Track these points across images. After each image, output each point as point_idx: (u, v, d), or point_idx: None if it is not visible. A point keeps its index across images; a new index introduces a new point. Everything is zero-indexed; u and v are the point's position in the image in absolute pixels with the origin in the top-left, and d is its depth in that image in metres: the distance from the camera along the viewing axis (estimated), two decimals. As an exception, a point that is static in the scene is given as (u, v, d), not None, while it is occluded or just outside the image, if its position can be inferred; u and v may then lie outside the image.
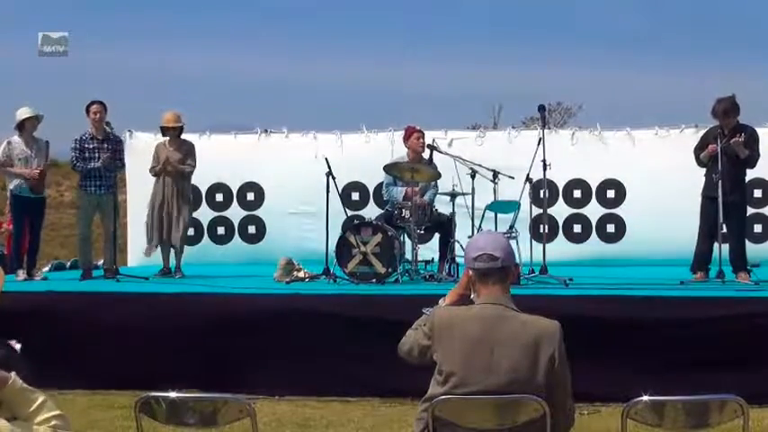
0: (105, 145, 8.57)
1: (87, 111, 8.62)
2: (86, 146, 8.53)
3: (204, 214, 10.79)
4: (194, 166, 8.78)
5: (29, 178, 8.24)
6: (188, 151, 8.78)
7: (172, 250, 8.84)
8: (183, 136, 8.91)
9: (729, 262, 7.48)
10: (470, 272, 3.29)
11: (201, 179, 10.12)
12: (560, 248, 9.69)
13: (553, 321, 3.20)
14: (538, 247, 8.05)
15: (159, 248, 8.86)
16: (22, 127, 8.35)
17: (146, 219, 8.82)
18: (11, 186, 8.42)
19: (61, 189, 18.25)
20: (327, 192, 8.16)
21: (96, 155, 8.49)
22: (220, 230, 10.91)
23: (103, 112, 8.61)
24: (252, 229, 10.87)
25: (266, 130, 11.00)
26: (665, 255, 9.18)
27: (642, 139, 10.19)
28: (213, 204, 10.89)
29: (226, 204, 10.91)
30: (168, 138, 8.80)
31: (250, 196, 10.88)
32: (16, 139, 8.38)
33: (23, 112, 8.35)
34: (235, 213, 10.90)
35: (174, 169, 8.61)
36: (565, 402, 3.21)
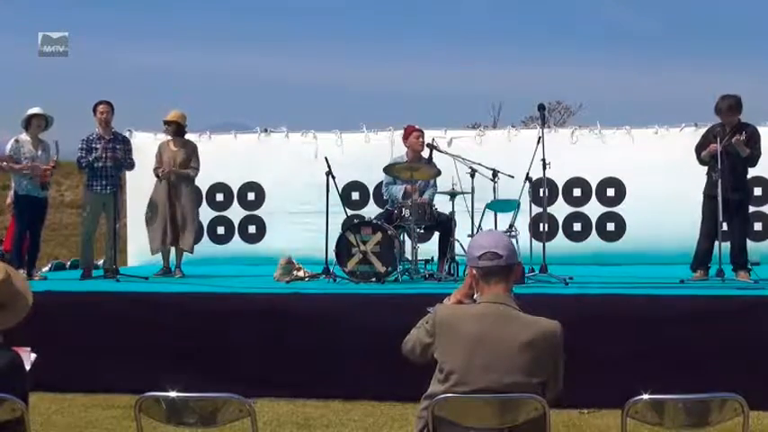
0: (112, 145, 8.58)
1: (94, 111, 8.64)
2: (94, 146, 8.54)
3: (204, 214, 10.80)
4: (198, 170, 8.79)
5: (36, 175, 8.25)
6: (192, 152, 8.79)
7: (172, 250, 8.84)
8: (185, 137, 8.92)
9: (729, 260, 7.48)
10: (473, 270, 3.29)
11: (202, 179, 10.12)
12: (560, 247, 9.70)
13: (554, 321, 3.20)
14: (538, 245, 8.05)
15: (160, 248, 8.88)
16: (28, 125, 8.38)
17: (145, 216, 8.82)
18: (15, 186, 8.43)
19: (61, 189, 18.25)
20: (327, 191, 8.17)
21: (104, 155, 8.51)
22: (220, 230, 10.92)
23: (110, 113, 8.63)
24: (252, 229, 10.88)
25: (266, 130, 11.01)
26: (664, 253, 9.20)
27: (642, 137, 10.19)
28: (214, 204, 10.90)
29: (226, 204, 10.92)
30: (171, 138, 8.81)
31: (251, 196, 10.89)
32: (24, 137, 8.40)
33: (32, 110, 8.39)
34: (235, 213, 10.91)
35: (179, 174, 8.62)
36: (554, 387, 3.21)
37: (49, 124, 8.53)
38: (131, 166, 8.95)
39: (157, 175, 8.68)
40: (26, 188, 8.36)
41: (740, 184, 7.51)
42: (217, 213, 10.91)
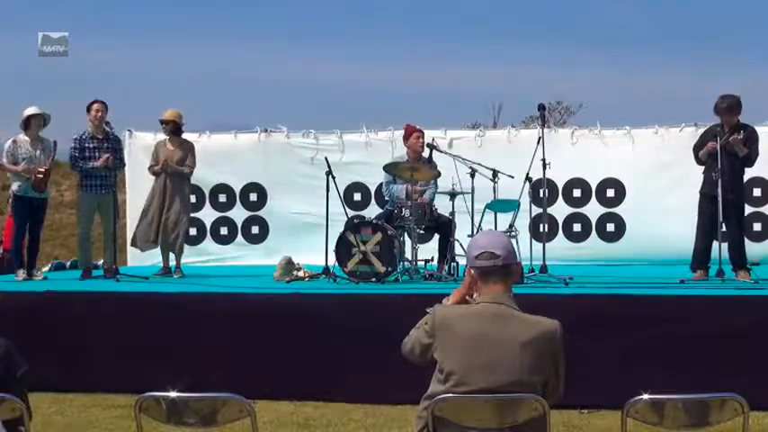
0: (105, 144, 8.57)
1: (88, 110, 8.62)
2: (86, 145, 8.53)
3: (207, 214, 10.81)
4: (193, 168, 8.78)
5: (30, 176, 8.25)
6: (188, 151, 8.78)
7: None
8: (183, 136, 8.92)
9: (729, 260, 7.48)
10: (472, 271, 3.29)
11: (204, 180, 10.13)
12: (560, 248, 9.70)
13: (553, 321, 3.20)
14: (538, 246, 8.06)
15: (159, 248, 8.88)
16: (27, 125, 8.37)
17: (140, 214, 8.82)
18: (13, 186, 8.43)
19: (61, 189, 18.21)
20: (327, 191, 8.18)
21: (96, 154, 8.50)
22: (223, 231, 10.93)
23: (104, 112, 8.61)
24: (255, 230, 10.89)
25: (266, 130, 11.01)
26: (664, 254, 9.20)
27: (642, 137, 10.20)
28: (216, 205, 10.91)
29: (229, 205, 10.93)
30: (168, 137, 8.80)
31: (253, 197, 10.90)
32: (22, 137, 8.40)
33: (29, 110, 8.38)
34: (238, 214, 10.92)
35: (173, 170, 8.62)
36: (555, 390, 3.21)
37: (47, 122, 8.52)
38: (122, 165, 9.03)
39: (154, 173, 8.67)
40: (23, 189, 8.35)
41: (736, 184, 7.52)
42: (220, 214, 10.92)
